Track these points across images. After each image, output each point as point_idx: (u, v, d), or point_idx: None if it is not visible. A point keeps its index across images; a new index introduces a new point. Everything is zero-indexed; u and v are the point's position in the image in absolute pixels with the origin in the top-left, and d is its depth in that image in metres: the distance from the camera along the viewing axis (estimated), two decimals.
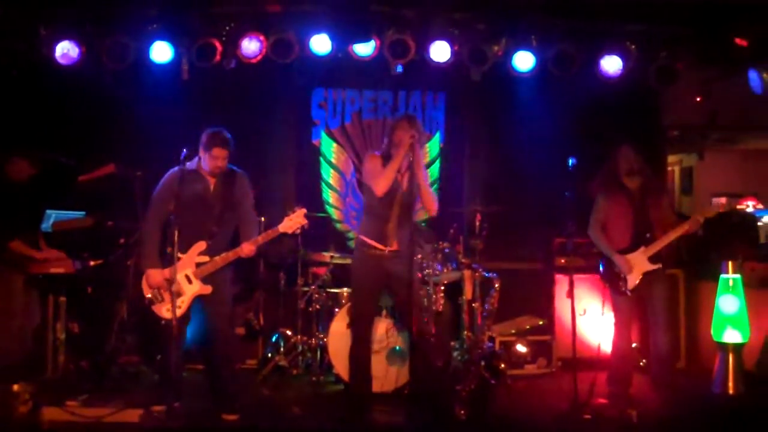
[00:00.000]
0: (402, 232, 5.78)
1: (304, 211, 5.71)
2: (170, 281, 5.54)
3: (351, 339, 6.04)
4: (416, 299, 5.94)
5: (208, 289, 5.69)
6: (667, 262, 6.36)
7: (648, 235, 6.22)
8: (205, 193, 5.81)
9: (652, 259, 6.18)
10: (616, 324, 6.37)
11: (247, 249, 5.66)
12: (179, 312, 5.61)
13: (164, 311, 5.69)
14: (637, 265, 6.17)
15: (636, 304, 6.37)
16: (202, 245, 5.71)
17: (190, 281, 5.70)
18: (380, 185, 5.72)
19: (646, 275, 6.16)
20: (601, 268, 6.45)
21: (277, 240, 5.89)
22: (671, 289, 6.89)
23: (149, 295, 5.74)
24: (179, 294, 5.63)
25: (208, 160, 5.76)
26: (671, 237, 6.17)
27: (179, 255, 5.62)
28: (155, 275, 5.69)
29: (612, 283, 6.30)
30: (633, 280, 6.17)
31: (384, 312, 6.63)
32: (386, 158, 5.87)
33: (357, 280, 6.01)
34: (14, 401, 5.57)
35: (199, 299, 5.75)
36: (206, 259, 5.69)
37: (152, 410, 5.70)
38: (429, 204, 5.93)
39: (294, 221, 5.65)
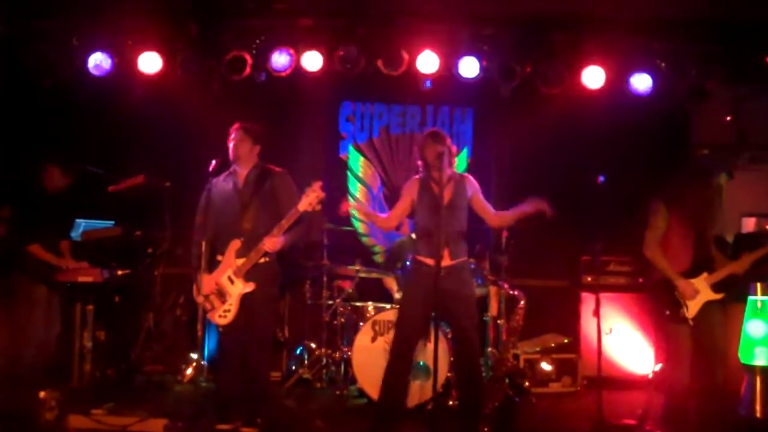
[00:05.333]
0: (452, 245, 5.67)
1: (320, 183, 5.48)
2: (198, 287, 5.65)
3: (390, 353, 5.91)
4: (471, 315, 5.79)
5: (251, 287, 5.63)
6: None
7: (711, 260, 5.79)
8: (235, 189, 5.83)
9: (715, 288, 5.71)
10: (672, 355, 5.89)
11: (268, 242, 5.58)
12: (230, 315, 5.65)
13: (216, 318, 5.70)
14: (701, 292, 5.69)
15: (693, 333, 5.73)
16: (236, 244, 5.68)
17: (232, 282, 5.67)
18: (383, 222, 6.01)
19: (707, 304, 5.69)
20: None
21: (304, 221, 5.70)
22: (730, 317, 6.16)
23: (201, 303, 5.69)
24: (225, 297, 5.67)
25: (230, 150, 5.84)
26: (733, 269, 5.75)
27: (219, 258, 5.73)
28: (199, 280, 5.66)
29: (671, 309, 5.73)
30: (694, 307, 5.68)
31: None
32: (424, 181, 5.82)
33: (406, 296, 5.95)
34: (41, 408, 5.61)
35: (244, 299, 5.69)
36: (244, 259, 5.64)
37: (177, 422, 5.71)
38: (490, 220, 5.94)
39: (311, 196, 5.45)
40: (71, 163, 6.79)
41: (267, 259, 5.70)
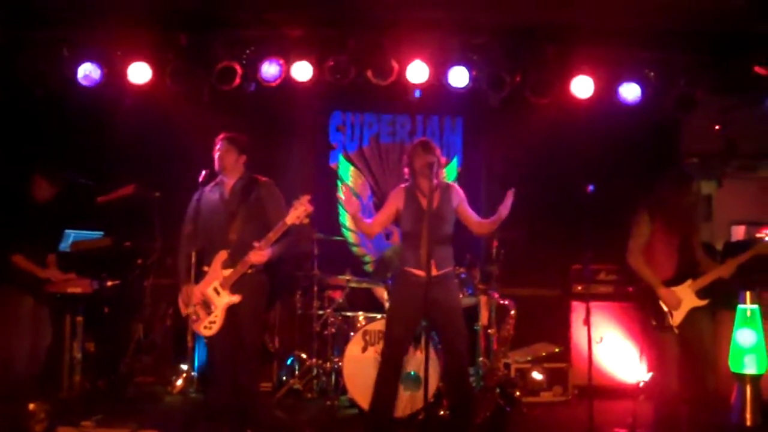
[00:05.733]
0: (438, 255, 5.60)
1: (308, 197, 5.42)
2: (187, 297, 5.60)
3: (380, 361, 5.88)
4: (458, 325, 5.76)
5: (237, 298, 5.55)
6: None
7: (696, 267, 5.75)
8: (222, 200, 5.76)
9: (700, 294, 5.67)
10: (660, 363, 5.86)
11: (255, 255, 5.49)
12: (215, 327, 5.56)
13: (201, 329, 5.61)
14: (685, 299, 5.65)
15: (680, 340, 5.71)
16: (223, 255, 5.59)
17: (218, 293, 5.58)
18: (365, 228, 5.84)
19: (692, 311, 5.67)
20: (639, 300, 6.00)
21: (291, 234, 5.62)
22: (714, 323, 6.16)
23: (187, 314, 5.62)
24: (211, 308, 5.58)
25: (216, 161, 5.79)
26: (719, 273, 5.71)
27: (206, 268, 5.64)
28: (186, 291, 5.62)
29: (656, 317, 5.70)
30: (679, 315, 5.64)
31: None
32: (410, 190, 5.81)
33: (394, 304, 5.95)
34: (30, 420, 5.57)
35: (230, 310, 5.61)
36: (230, 270, 5.57)
37: None
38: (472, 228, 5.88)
39: (299, 210, 5.38)
40: (59, 173, 6.74)
41: (253, 270, 5.63)
